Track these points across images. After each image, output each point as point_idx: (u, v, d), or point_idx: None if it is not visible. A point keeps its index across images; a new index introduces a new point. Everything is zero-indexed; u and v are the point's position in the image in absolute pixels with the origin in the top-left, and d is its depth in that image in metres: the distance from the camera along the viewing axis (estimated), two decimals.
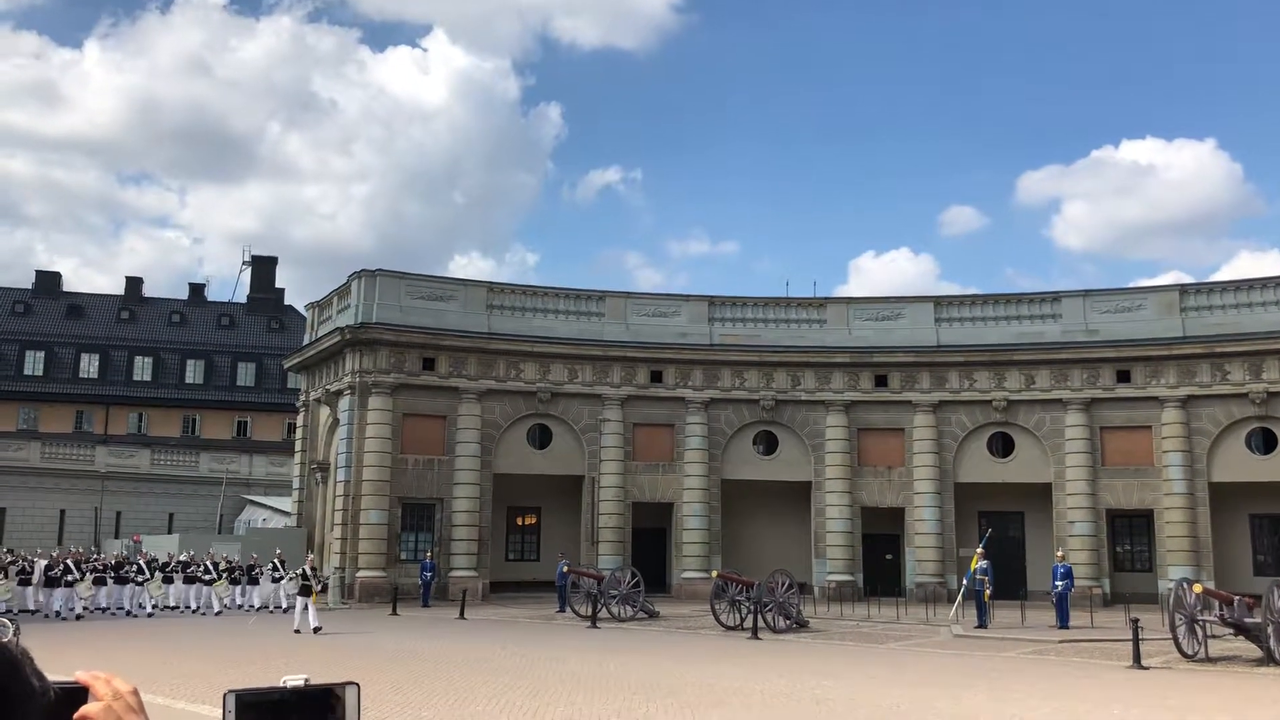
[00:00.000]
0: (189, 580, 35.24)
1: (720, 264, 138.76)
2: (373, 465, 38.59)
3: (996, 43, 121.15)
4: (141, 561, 35.25)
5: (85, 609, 32.64)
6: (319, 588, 28.33)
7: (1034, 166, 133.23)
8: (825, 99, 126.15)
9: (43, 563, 32.98)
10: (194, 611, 34.20)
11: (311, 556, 32.46)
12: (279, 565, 35.70)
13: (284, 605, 34.04)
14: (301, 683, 1.72)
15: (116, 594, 33.76)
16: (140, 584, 34.02)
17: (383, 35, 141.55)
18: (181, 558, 36.75)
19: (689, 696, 16.29)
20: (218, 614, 33.36)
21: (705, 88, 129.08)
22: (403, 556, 38.71)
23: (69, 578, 31.90)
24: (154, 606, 33.67)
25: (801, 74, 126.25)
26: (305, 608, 26.92)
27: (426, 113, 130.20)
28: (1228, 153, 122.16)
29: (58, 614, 31.16)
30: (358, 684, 1.76)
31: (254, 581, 35.71)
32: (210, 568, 35.37)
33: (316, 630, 25.97)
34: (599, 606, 29.98)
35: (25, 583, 32.60)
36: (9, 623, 1.67)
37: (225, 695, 1.68)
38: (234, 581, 35.85)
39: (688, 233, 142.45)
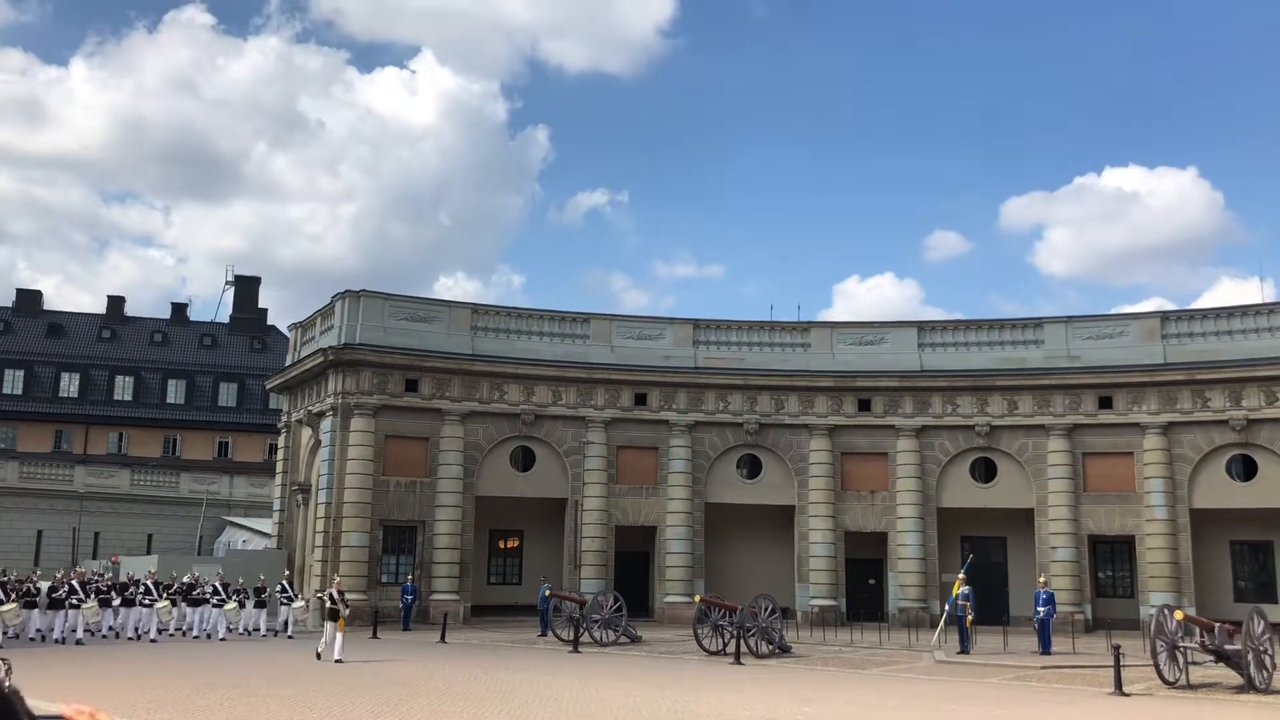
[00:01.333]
0: (194, 603, 33.47)
1: (706, 287, 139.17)
2: (354, 487, 38.38)
3: (981, 71, 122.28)
4: (149, 583, 33.12)
5: (89, 632, 31.07)
6: (346, 613, 26.17)
7: (1018, 192, 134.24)
8: (812, 123, 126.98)
9: (46, 584, 31.47)
10: (195, 635, 32.58)
11: (338, 579, 30.16)
12: (287, 587, 34.57)
13: (278, 628, 33.20)
14: None
15: (123, 617, 32.25)
16: (149, 605, 32.12)
17: (370, 56, 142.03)
18: (185, 579, 34.79)
19: None
20: (222, 639, 31.66)
21: (692, 111, 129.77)
22: (384, 579, 38.43)
23: (74, 599, 30.28)
24: (159, 631, 31.71)
25: (788, 99, 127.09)
26: (334, 635, 24.92)
27: (414, 134, 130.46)
28: (1209, 181, 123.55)
29: (60, 639, 29.59)
30: None
31: (261, 605, 34.22)
32: (219, 589, 33.37)
33: (338, 662, 24.10)
34: (581, 631, 29.82)
35: (30, 605, 30.78)
36: (2, 661, 1.65)
37: None
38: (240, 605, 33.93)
39: (674, 255, 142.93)
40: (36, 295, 77.63)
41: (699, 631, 28.67)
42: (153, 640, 30.63)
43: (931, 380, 41.41)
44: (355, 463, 38.51)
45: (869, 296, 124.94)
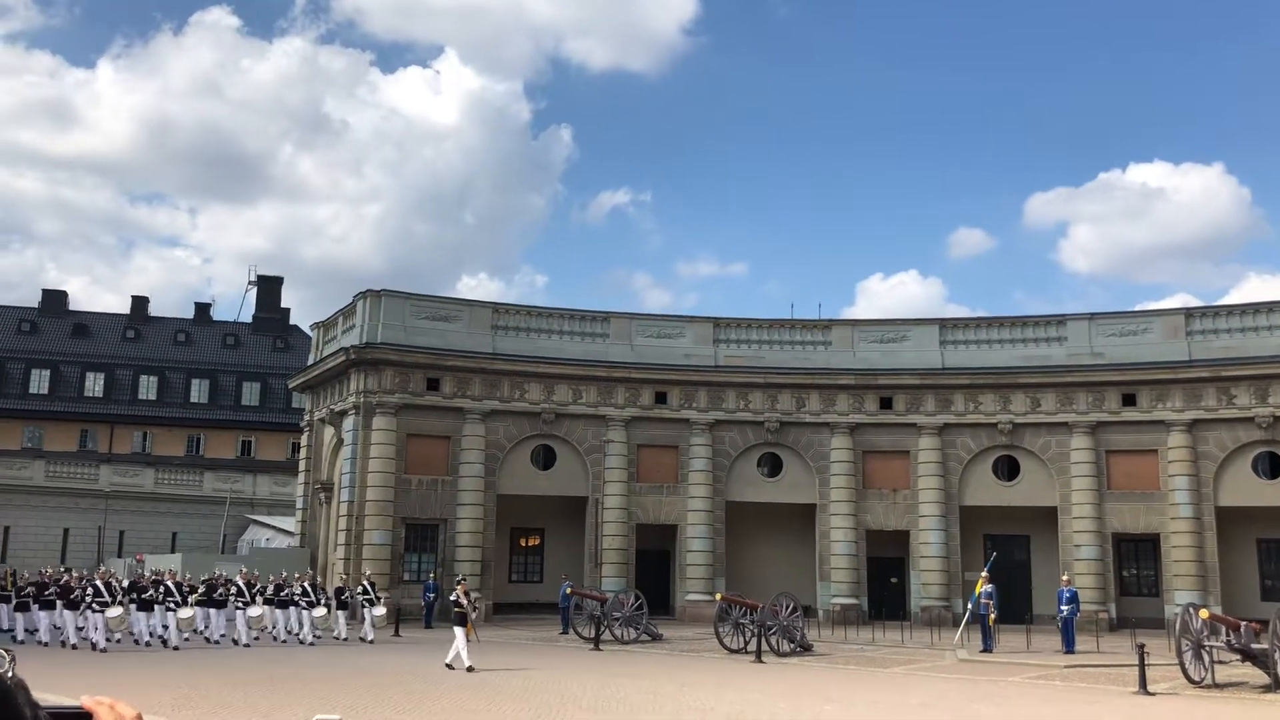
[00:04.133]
0: (281, 605, 30.79)
1: (729, 285, 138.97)
2: (376, 485, 38.55)
3: (1005, 66, 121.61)
4: (240, 583, 30.69)
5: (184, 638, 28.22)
6: (474, 615, 23.95)
7: (1043, 188, 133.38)
8: (835, 121, 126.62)
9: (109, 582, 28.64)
10: (282, 640, 29.99)
11: (463, 580, 27.12)
12: (369, 588, 32.07)
13: (364, 634, 30.20)
14: None
15: (215, 620, 29.91)
16: (241, 608, 29.53)
17: (394, 56, 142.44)
18: (271, 581, 31.66)
19: None
20: (310, 643, 29.16)
21: (715, 110, 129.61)
22: (406, 577, 38.60)
23: (98, 600, 27.07)
24: (254, 636, 29.18)
25: (811, 96, 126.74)
26: (462, 641, 22.61)
27: (438, 134, 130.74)
28: (1235, 177, 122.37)
29: (144, 640, 27.47)
30: None
31: (342, 606, 31.78)
32: (308, 590, 30.96)
33: (470, 670, 21.78)
34: (602, 629, 29.86)
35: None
36: (5, 653, 1.66)
37: None
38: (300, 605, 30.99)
39: (696, 254, 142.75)
40: (62, 296, 78.28)
41: (720, 630, 28.64)
42: (245, 645, 28.23)
43: (954, 378, 41.22)
44: (377, 461, 38.67)
45: (892, 294, 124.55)
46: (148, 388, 71.41)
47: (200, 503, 58.69)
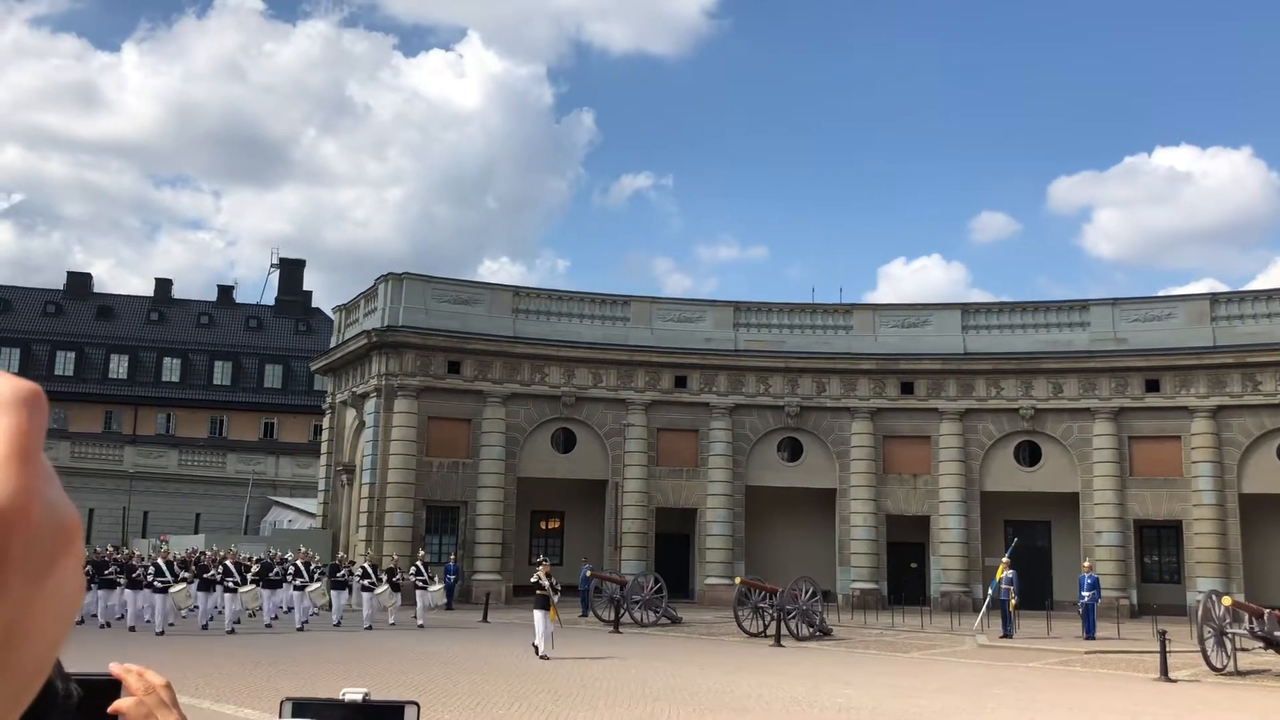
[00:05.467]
0: (337, 585, 30.00)
1: (750, 269, 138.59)
2: (398, 468, 38.73)
3: (1030, 49, 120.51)
4: (299, 563, 29.71)
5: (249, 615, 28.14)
6: (557, 598, 22.52)
7: (1067, 172, 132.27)
8: (857, 105, 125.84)
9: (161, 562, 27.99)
10: (336, 622, 29.08)
11: (546, 561, 24.61)
12: (370, 571, 30.25)
13: (417, 616, 29.32)
14: (360, 697, 1.69)
15: (270, 600, 29.03)
16: (300, 589, 28.84)
17: (416, 39, 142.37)
18: (330, 562, 31.21)
19: (710, 702, 16.25)
20: (368, 627, 28.27)
21: (737, 93, 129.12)
22: (427, 559, 38.74)
23: (159, 580, 26.74)
24: (310, 614, 28.46)
25: (833, 79, 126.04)
26: (545, 627, 21.41)
27: (460, 117, 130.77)
28: (1264, 161, 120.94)
29: (203, 623, 27.07)
30: (418, 704, 1.71)
31: (396, 588, 30.47)
32: (369, 571, 30.07)
33: (544, 658, 20.88)
34: (622, 612, 29.95)
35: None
36: None
37: (282, 703, 1.67)
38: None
39: (717, 238, 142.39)
40: (86, 278, 78.81)
41: (739, 613, 28.69)
42: (298, 629, 27.49)
43: (975, 363, 41.02)
44: (398, 444, 38.85)
45: (914, 279, 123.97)
46: (171, 370, 71.88)
47: (223, 484, 59.15)
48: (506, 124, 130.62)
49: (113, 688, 1.58)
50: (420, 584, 30.64)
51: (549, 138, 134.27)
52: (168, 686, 1.60)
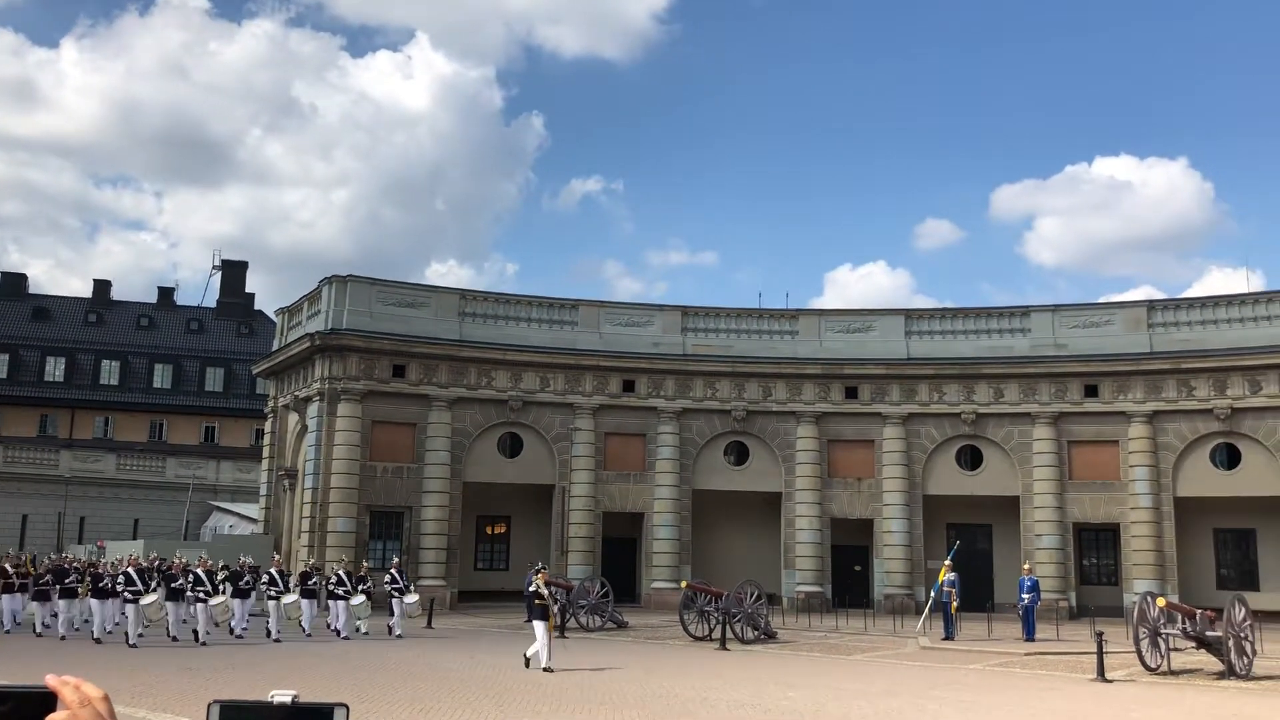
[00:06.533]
0: (307, 594, 29.04)
1: (699, 274, 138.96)
2: (341, 472, 38.33)
3: (974, 58, 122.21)
4: (274, 573, 28.90)
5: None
6: (555, 608, 22.01)
7: (1010, 180, 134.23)
8: (806, 111, 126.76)
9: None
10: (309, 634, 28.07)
11: (544, 569, 23.02)
12: (344, 579, 28.77)
13: (392, 625, 27.99)
14: (289, 699, 1.69)
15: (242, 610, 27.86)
16: (275, 599, 28.04)
17: (364, 40, 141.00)
18: (234, 568, 29.55)
19: (655, 707, 16.28)
20: (345, 637, 27.39)
21: (687, 98, 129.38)
22: (370, 565, 38.34)
23: (130, 590, 25.76)
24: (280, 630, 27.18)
25: (782, 86, 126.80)
26: (544, 638, 20.55)
27: (408, 119, 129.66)
28: (1199, 171, 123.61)
29: (172, 634, 25.93)
30: (346, 706, 1.71)
31: (311, 594, 29.21)
32: (343, 579, 28.76)
33: (547, 669, 19.97)
34: (568, 616, 29.89)
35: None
36: None
37: (210, 705, 1.67)
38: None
39: (667, 242, 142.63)
40: (21, 279, 77.17)
41: (685, 617, 28.76)
42: (275, 640, 26.38)
43: (918, 368, 41.52)
44: (342, 448, 38.46)
45: (860, 285, 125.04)
46: (110, 372, 70.58)
47: (163, 489, 58.13)
48: (455, 126, 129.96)
49: (49, 699, 1.55)
50: (396, 592, 28.86)
51: (499, 141, 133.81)
52: (105, 699, 1.58)
